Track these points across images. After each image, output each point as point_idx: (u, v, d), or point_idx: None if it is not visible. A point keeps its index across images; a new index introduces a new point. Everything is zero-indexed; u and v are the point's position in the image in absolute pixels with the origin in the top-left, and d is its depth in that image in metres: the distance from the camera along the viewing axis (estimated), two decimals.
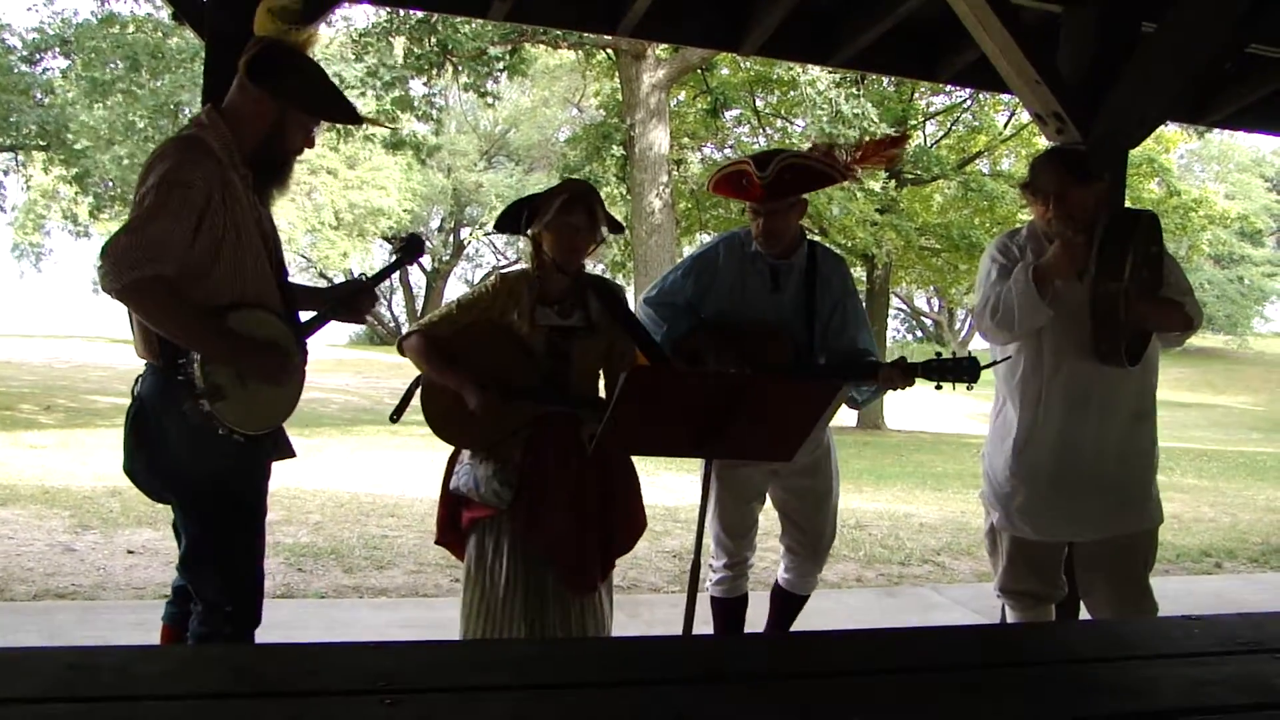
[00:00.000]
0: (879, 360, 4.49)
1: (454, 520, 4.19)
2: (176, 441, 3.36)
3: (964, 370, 4.23)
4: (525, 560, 4.00)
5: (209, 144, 3.37)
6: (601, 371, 4.24)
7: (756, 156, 4.47)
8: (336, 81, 3.83)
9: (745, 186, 4.42)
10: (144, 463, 3.47)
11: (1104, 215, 4.16)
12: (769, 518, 4.81)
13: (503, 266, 39.98)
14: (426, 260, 46.71)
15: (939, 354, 4.34)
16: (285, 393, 3.59)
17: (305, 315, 3.76)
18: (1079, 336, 4.11)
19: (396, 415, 4.28)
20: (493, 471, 3.99)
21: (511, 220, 4.14)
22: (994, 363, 4.26)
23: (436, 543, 4.36)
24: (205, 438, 3.32)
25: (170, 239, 3.20)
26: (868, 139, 4.60)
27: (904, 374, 4.28)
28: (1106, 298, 3.99)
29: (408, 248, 4.14)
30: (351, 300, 3.89)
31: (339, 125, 3.99)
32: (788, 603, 4.83)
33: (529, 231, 4.09)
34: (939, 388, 4.28)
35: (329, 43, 20.92)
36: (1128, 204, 4.29)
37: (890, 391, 4.44)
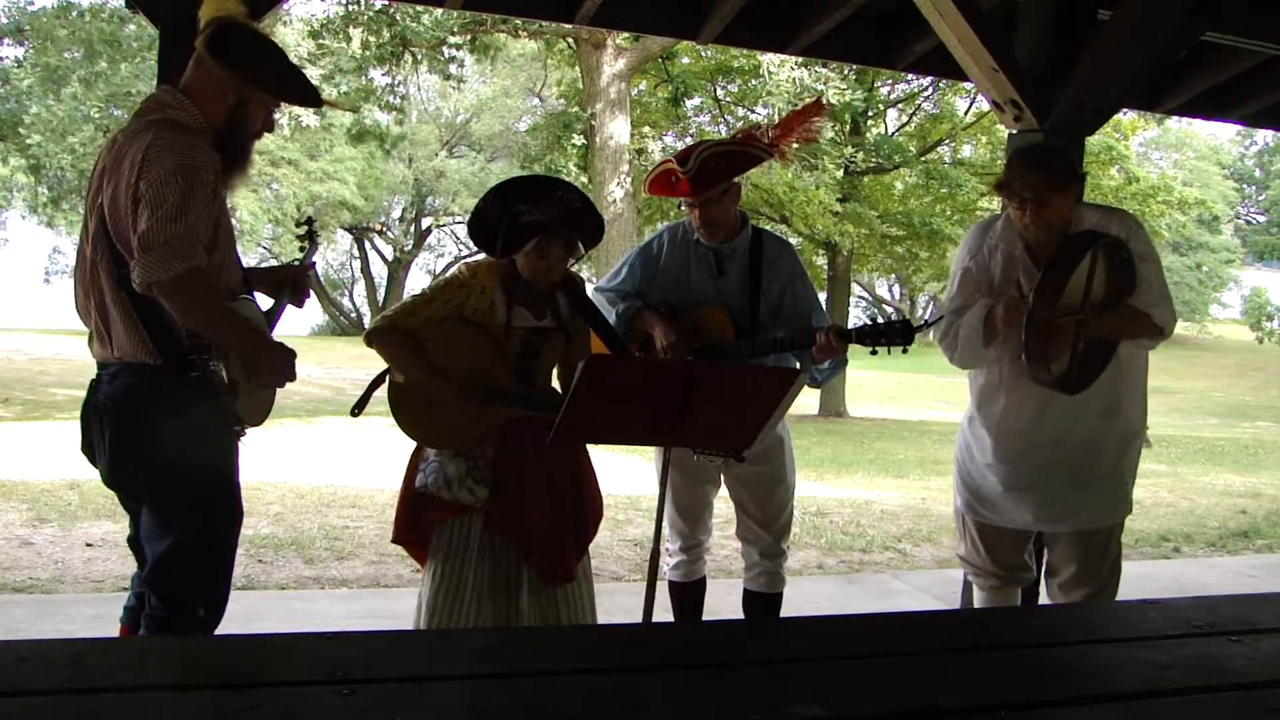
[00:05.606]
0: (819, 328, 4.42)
1: (416, 520, 4.04)
2: (180, 442, 3.26)
3: (897, 334, 4.10)
4: (494, 559, 3.90)
5: (194, 125, 3.30)
6: (557, 366, 4.17)
7: (679, 154, 4.51)
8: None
9: (675, 184, 4.45)
10: (133, 468, 3.36)
11: (1074, 209, 4.13)
12: (727, 505, 4.82)
13: (465, 256, 39.78)
14: (388, 250, 46.49)
15: (873, 318, 4.28)
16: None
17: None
18: None
19: (358, 409, 4.07)
20: (465, 470, 3.88)
21: (485, 235, 3.90)
22: (926, 324, 4.23)
23: (394, 541, 4.18)
24: (210, 435, 3.28)
25: (201, 229, 3.17)
26: (787, 113, 4.57)
27: (839, 338, 4.20)
28: (1041, 324, 3.90)
29: (312, 231, 4.17)
30: (296, 284, 3.88)
31: (299, 109, 3.96)
32: (760, 606, 4.74)
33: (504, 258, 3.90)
34: (874, 353, 4.16)
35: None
36: (1087, 191, 4.24)
37: (835, 358, 4.34)
